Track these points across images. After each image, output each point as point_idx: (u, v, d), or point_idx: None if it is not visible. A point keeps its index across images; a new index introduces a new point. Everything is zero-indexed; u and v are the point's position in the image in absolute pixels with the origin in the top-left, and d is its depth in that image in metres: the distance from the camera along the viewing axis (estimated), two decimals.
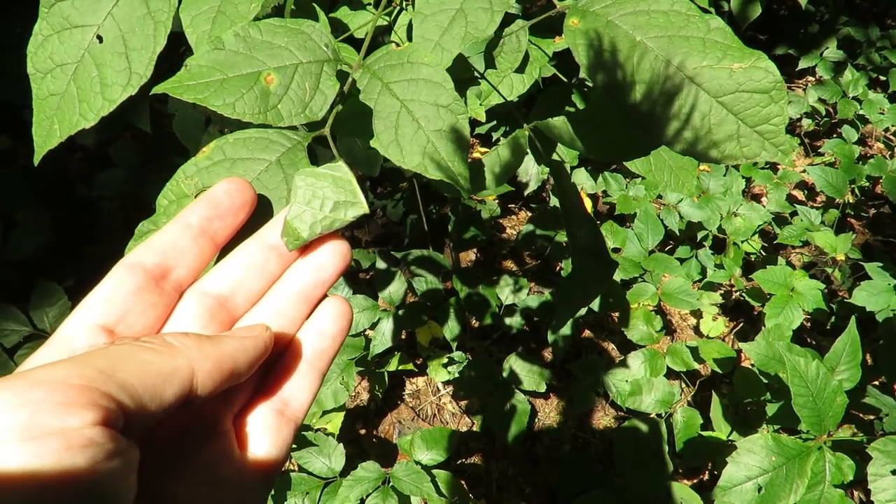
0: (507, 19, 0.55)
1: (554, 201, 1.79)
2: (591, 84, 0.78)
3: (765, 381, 1.38)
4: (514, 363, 1.44)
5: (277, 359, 0.33)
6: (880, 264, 1.39)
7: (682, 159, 0.71)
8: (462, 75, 0.53)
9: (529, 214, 2.08)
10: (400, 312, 1.36)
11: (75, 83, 0.46)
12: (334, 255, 0.34)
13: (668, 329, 1.91)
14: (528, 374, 1.43)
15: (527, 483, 1.66)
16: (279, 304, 0.33)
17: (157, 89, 0.41)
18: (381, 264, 1.36)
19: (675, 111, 0.40)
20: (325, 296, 0.35)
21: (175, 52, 0.44)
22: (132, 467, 0.23)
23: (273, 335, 0.31)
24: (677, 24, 0.41)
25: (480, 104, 0.69)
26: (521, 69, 0.58)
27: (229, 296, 0.33)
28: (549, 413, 1.72)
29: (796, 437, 1.07)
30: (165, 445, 0.29)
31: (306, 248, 0.35)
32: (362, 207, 0.35)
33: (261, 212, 0.37)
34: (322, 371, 0.34)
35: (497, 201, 2.00)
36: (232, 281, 0.33)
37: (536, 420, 1.69)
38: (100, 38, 0.44)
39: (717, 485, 0.97)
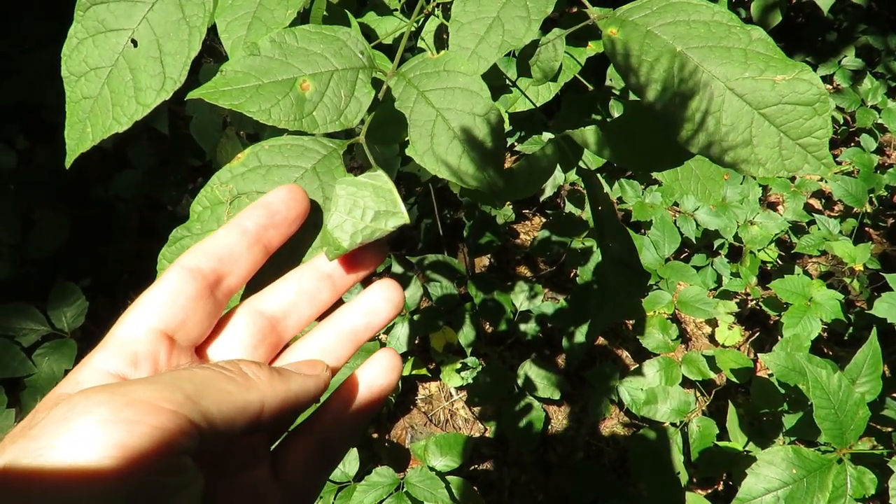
0: (543, 27, 0.54)
1: (569, 207, 1.78)
2: (618, 92, 0.78)
3: (782, 391, 1.36)
4: (529, 370, 1.43)
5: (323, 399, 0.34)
6: None
7: (710, 169, 0.70)
8: (493, 83, 0.53)
9: (544, 220, 2.07)
10: (415, 317, 1.36)
11: (109, 87, 0.46)
12: (387, 301, 0.34)
13: (683, 337, 1.90)
14: (542, 381, 1.42)
15: (539, 490, 1.65)
16: (328, 341, 0.33)
17: (193, 94, 0.41)
18: (397, 268, 1.36)
19: (713, 122, 0.39)
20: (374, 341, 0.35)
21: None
22: (200, 495, 0.24)
23: (330, 376, 0.31)
24: (718, 35, 0.40)
25: (506, 111, 0.69)
26: (554, 78, 0.57)
27: (281, 318, 0.33)
28: (563, 420, 1.70)
29: (815, 450, 1.06)
30: (210, 468, 0.29)
31: (360, 278, 0.35)
32: (403, 217, 0.35)
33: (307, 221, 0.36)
34: (364, 421, 0.34)
35: (511, 207, 2.00)
36: (285, 304, 0.33)
37: (549, 427, 1.68)
38: (134, 43, 0.44)
39: (737, 497, 0.96)
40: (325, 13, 0.55)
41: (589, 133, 0.50)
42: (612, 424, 1.70)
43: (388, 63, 0.46)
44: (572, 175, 1.64)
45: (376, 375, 0.34)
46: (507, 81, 0.55)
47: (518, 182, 0.50)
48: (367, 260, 0.35)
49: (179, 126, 1.75)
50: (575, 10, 0.63)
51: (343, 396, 0.33)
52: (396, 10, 0.70)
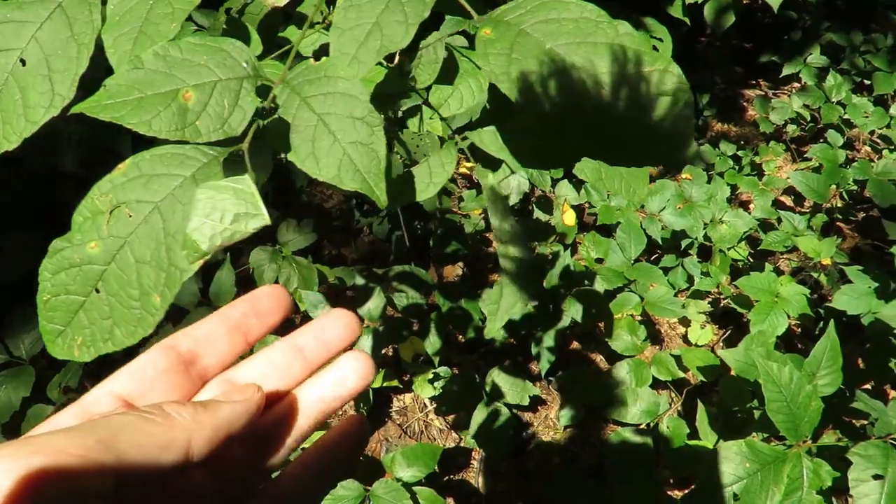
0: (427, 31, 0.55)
1: (538, 213, 1.79)
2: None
3: (751, 388, 1.37)
4: (497, 377, 1.43)
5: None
6: (860, 268, 1.38)
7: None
8: (396, 88, 0.54)
9: None
10: (380, 328, 1.36)
11: None
12: (356, 372, 0.34)
13: (657, 338, 1.90)
14: (511, 388, 1.42)
15: (518, 497, 1.64)
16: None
17: (76, 109, 0.42)
18: (359, 281, 1.36)
19: (586, 117, 0.40)
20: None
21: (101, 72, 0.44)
22: None
23: (264, 395, 0.32)
24: (586, 31, 0.41)
25: (430, 118, 0.69)
26: (449, 81, 0.58)
27: None
28: (538, 426, 1.70)
29: (778, 444, 1.06)
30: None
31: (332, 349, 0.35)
32: (263, 219, 0.35)
33: None
34: (331, 483, 0.35)
35: (482, 215, 2.00)
36: (256, 376, 0.34)
37: (525, 434, 1.68)
38: (23, 62, 0.45)
39: (694, 492, 0.96)
40: (224, 27, 0.55)
41: (487, 135, 0.51)
42: (587, 428, 1.70)
43: (280, 71, 0.46)
44: (547, 183, 1.65)
45: (345, 445, 0.35)
46: (413, 88, 0.55)
47: (418, 184, 0.50)
48: (339, 336, 0.35)
49: (143, 148, 1.75)
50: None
51: (304, 461, 0.34)
52: (319, 23, 0.71)
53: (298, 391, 0.34)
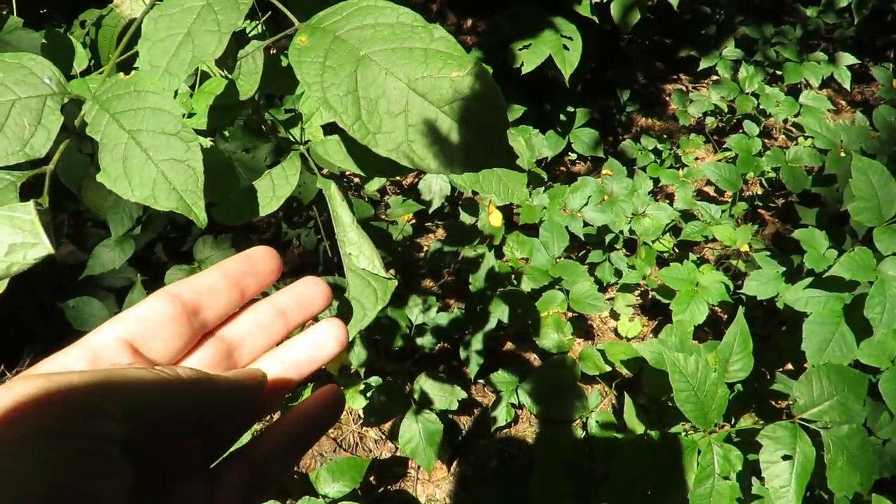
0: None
1: (464, 216, 1.79)
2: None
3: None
4: (425, 383, 1.42)
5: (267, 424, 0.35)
6: (768, 253, 1.42)
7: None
8: (232, 100, 0.52)
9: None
10: None
11: None
12: (333, 337, 0.36)
13: (590, 333, 1.92)
14: (439, 393, 1.41)
15: (457, 503, 1.63)
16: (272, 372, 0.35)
17: None
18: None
19: (404, 123, 0.39)
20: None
21: None
22: (128, 488, 0.24)
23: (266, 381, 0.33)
24: (402, 36, 0.40)
25: (302, 126, 0.68)
26: (290, 90, 0.57)
27: (238, 345, 0.35)
28: (473, 430, 1.70)
29: (700, 433, 1.07)
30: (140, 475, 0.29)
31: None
32: (45, 248, 0.33)
33: None
34: (306, 448, 0.36)
35: (413, 221, 1.99)
36: (243, 333, 0.35)
37: (460, 438, 1.67)
38: None
39: (609, 483, 0.96)
40: (43, 41, 0.52)
41: (331, 143, 0.49)
42: (522, 428, 1.71)
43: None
44: (467, 189, 1.64)
45: (321, 410, 0.35)
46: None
47: (261, 198, 0.48)
48: (316, 300, 0.36)
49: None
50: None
51: (282, 426, 0.35)
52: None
53: (277, 351, 0.35)
